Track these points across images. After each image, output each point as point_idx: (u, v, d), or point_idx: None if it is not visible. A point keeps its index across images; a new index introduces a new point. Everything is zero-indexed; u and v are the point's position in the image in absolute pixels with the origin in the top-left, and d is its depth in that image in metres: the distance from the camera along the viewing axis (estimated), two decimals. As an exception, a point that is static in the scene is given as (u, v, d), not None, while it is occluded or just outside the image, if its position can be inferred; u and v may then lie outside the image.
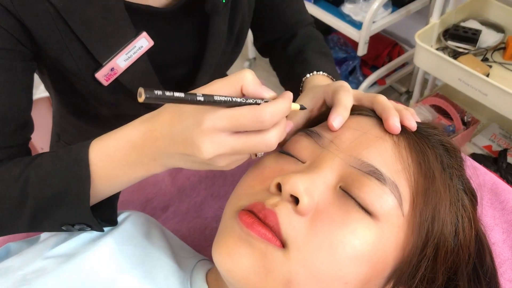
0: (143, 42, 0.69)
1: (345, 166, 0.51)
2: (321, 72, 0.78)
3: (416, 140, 0.54)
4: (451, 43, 1.69)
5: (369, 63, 2.22)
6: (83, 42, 0.65)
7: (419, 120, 0.58)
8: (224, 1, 0.72)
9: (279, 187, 0.50)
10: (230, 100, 0.46)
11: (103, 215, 0.60)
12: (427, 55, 1.62)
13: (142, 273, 0.57)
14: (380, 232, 0.49)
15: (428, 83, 2.04)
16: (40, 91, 1.69)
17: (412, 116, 0.56)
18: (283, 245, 0.48)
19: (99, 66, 0.68)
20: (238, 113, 0.46)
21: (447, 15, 1.72)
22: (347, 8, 1.86)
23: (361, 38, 1.80)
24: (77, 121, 0.89)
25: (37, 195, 0.55)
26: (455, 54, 1.67)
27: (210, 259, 0.67)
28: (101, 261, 0.57)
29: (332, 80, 0.78)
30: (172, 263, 0.60)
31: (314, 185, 0.49)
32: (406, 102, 2.25)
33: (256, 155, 0.54)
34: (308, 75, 0.78)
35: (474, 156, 1.77)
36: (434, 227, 0.51)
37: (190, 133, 0.47)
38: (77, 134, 0.93)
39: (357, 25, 1.83)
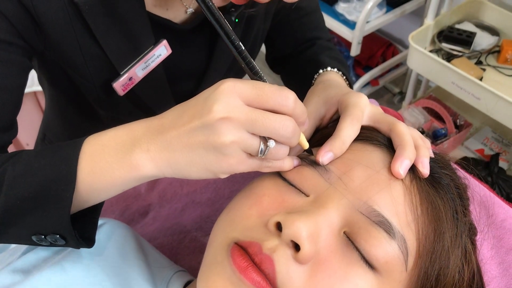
0: (162, 51, 0.68)
1: (353, 210, 0.47)
2: (335, 69, 0.73)
3: (428, 187, 0.50)
4: (445, 45, 1.67)
5: (363, 63, 2.20)
6: (102, 46, 0.63)
7: (432, 156, 0.55)
8: (236, 20, 0.70)
9: (278, 226, 0.46)
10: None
11: (82, 230, 0.53)
12: (420, 57, 1.60)
13: (113, 285, 0.54)
14: (380, 287, 0.46)
15: (422, 84, 2.02)
16: (27, 86, 1.65)
17: (427, 159, 0.51)
18: None
19: (113, 71, 0.66)
20: (263, 83, 0.45)
21: (442, 16, 1.69)
22: (341, 7, 1.84)
23: (354, 38, 1.77)
24: (69, 121, 0.86)
25: (10, 193, 0.48)
26: (449, 57, 1.65)
27: (187, 269, 0.64)
28: (70, 274, 0.54)
29: (346, 82, 0.73)
30: (146, 275, 0.57)
31: (318, 230, 0.45)
32: (399, 104, 2.23)
33: (264, 150, 0.46)
34: (320, 71, 0.72)
35: (466, 160, 1.76)
36: (437, 284, 0.49)
37: (203, 99, 0.44)
38: (65, 135, 0.90)
39: (351, 25, 1.80)
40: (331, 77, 0.70)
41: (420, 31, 1.65)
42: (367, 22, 1.77)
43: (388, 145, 0.53)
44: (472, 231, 0.54)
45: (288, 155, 0.51)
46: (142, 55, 0.66)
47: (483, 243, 0.68)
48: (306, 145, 0.52)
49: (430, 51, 1.65)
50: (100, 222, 0.63)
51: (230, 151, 0.44)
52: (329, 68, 0.72)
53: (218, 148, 0.44)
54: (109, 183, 0.48)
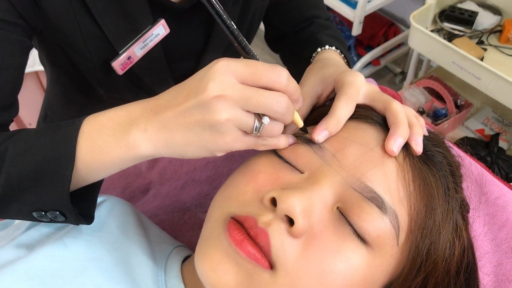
0: (160, 30, 0.68)
1: (346, 186, 0.48)
2: (333, 48, 0.73)
3: (421, 164, 0.51)
4: (447, 25, 1.66)
5: (364, 43, 2.19)
6: (100, 26, 0.63)
7: (426, 134, 0.55)
8: None
9: (273, 201, 0.47)
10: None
11: (81, 207, 0.54)
12: (421, 37, 1.59)
13: (114, 260, 0.56)
14: (372, 260, 0.48)
15: (423, 64, 2.01)
16: (28, 66, 1.65)
17: (421, 137, 0.52)
18: (271, 266, 0.46)
19: (112, 51, 0.66)
20: (256, 61, 0.46)
21: (444, -5, 1.68)
22: (342, -14, 1.82)
23: (355, 18, 1.77)
24: (70, 101, 0.87)
25: (11, 171, 0.50)
26: (450, 36, 1.65)
27: (187, 245, 0.66)
28: (71, 249, 0.56)
29: (344, 60, 0.73)
30: (146, 250, 0.59)
31: (311, 205, 0.46)
32: (400, 84, 2.23)
33: (259, 127, 0.47)
34: (318, 49, 0.72)
35: (466, 140, 1.76)
36: (428, 258, 0.50)
37: (197, 79, 0.45)
38: (66, 115, 0.91)
39: (352, 4, 1.79)
40: (329, 55, 0.70)
41: (421, 10, 1.65)
42: (369, 1, 1.76)
43: (382, 123, 0.53)
44: (464, 207, 0.55)
45: (283, 133, 0.52)
46: (140, 35, 0.66)
47: (476, 220, 0.69)
48: (300, 124, 0.53)
49: (432, 31, 1.64)
50: (101, 199, 0.64)
51: (225, 128, 0.45)
52: (327, 47, 0.72)
53: (214, 126, 0.44)
54: (107, 162, 0.49)
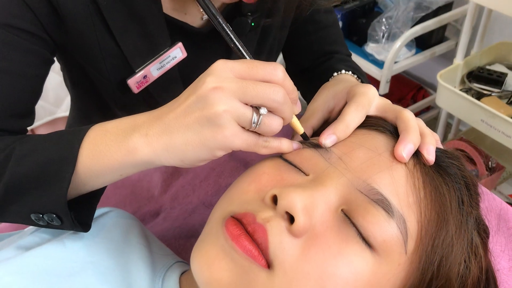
0: (177, 53, 0.70)
1: (351, 188, 0.46)
2: (349, 72, 0.72)
3: (433, 172, 0.49)
4: (476, 85, 1.65)
5: (393, 106, 2.19)
6: (118, 44, 0.65)
7: (441, 147, 0.54)
8: (253, 24, 0.72)
9: (274, 199, 0.45)
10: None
11: (79, 214, 0.54)
12: (449, 95, 1.58)
13: (111, 265, 0.54)
14: (378, 267, 0.44)
15: (452, 127, 1.99)
16: (62, 111, 1.72)
17: (433, 147, 0.50)
18: (269, 265, 0.43)
19: (129, 69, 0.68)
20: (253, 60, 0.47)
21: (472, 57, 1.69)
22: (370, 47, 1.86)
23: (382, 77, 1.78)
24: (87, 122, 0.89)
25: (14, 170, 0.51)
26: (479, 97, 1.63)
27: (189, 261, 0.64)
28: (69, 249, 0.54)
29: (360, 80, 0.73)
30: (146, 259, 0.57)
31: (313, 204, 0.44)
32: (430, 147, 2.19)
33: (257, 121, 0.46)
34: (335, 74, 0.72)
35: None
36: (439, 272, 0.46)
37: (197, 80, 0.47)
38: None
39: (380, 64, 1.82)
40: (345, 77, 0.70)
41: (449, 70, 1.65)
42: (396, 62, 1.78)
43: (393, 132, 0.52)
44: (481, 226, 0.52)
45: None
46: (157, 55, 0.68)
47: (502, 255, 0.64)
48: (300, 130, 0.52)
49: (460, 90, 1.64)
50: (107, 209, 0.64)
51: (223, 121, 0.44)
52: (343, 71, 0.72)
53: (212, 120, 0.44)
54: (106, 166, 0.49)
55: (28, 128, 0.66)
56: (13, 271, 0.50)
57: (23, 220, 0.55)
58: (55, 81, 1.54)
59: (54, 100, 1.63)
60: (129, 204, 0.80)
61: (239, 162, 0.79)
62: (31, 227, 0.62)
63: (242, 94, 0.44)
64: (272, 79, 0.46)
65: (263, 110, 0.46)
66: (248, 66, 0.46)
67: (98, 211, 0.62)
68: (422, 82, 2.24)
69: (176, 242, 0.72)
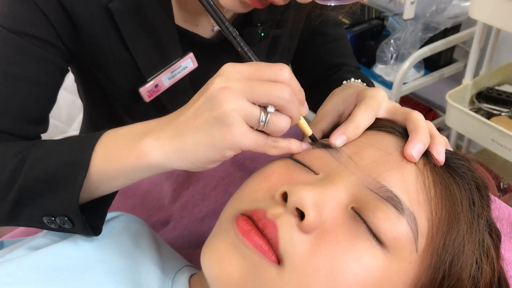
0: (188, 63, 0.71)
1: (361, 186, 0.47)
2: (359, 80, 0.73)
3: (443, 172, 0.49)
4: (485, 105, 1.65)
5: (402, 128, 2.19)
6: (131, 53, 0.67)
7: (450, 149, 0.54)
8: (262, 34, 0.73)
9: (285, 196, 0.46)
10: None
11: (90, 219, 0.55)
12: (458, 115, 1.59)
13: (121, 265, 0.54)
14: (388, 264, 0.44)
15: (462, 149, 1.98)
16: (73, 128, 1.75)
17: (443, 148, 0.51)
18: (279, 261, 0.43)
19: (141, 78, 0.69)
20: (259, 62, 0.49)
21: (481, 77, 1.70)
22: (378, 69, 1.88)
23: (391, 98, 1.79)
24: (97, 124, 0.90)
25: (29, 173, 0.52)
26: (489, 116, 1.63)
27: (199, 267, 0.63)
28: (81, 248, 0.55)
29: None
30: (156, 261, 0.57)
31: (323, 201, 0.45)
32: (440, 169, 2.18)
33: (265, 120, 0.47)
34: (344, 82, 0.73)
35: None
36: (451, 271, 0.46)
37: (206, 83, 0.48)
38: None
39: (389, 85, 1.83)
40: (354, 84, 0.71)
41: (458, 90, 1.66)
42: (405, 83, 1.79)
43: (403, 133, 0.52)
44: (492, 228, 0.51)
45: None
46: (169, 65, 0.70)
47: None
48: (309, 131, 0.52)
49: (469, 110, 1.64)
50: (117, 213, 0.64)
51: (232, 120, 0.45)
52: (352, 79, 0.73)
53: (221, 119, 0.45)
54: (118, 169, 0.50)
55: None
56: (25, 267, 0.50)
57: (35, 223, 0.55)
58: (67, 100, 1.57)
59: (66, 119, 1.66)
60: (139, 213, 0.80)
61: (249, 172, 0.79)
62: (41, 231, 0.62)
63: (249, 93, 0.45)
64: (278, 79, 0.47)
65: (270, 109, 0.47)
66: (254, 67, 0.47)
67: (109, 215, 0.62)
68: (431, 104, 2.24)
69: (185, 251, 0.71)
